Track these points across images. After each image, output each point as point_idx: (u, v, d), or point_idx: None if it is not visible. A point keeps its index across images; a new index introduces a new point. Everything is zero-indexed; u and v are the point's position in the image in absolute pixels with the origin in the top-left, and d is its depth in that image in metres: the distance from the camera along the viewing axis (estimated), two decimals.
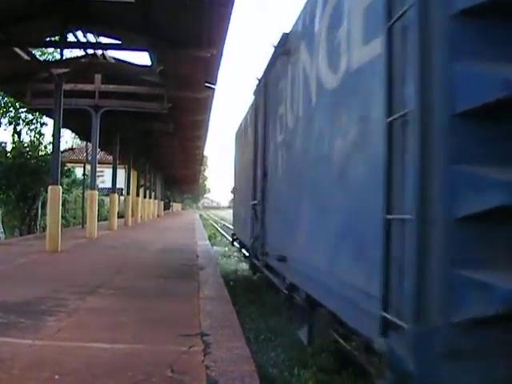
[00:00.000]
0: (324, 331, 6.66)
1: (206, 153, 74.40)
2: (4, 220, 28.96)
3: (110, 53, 19.93)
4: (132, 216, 36.10)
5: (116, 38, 17.96)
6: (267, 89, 10.12)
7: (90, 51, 19.30)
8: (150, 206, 49.50)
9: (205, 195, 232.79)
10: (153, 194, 53.64)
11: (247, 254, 15.09)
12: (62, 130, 19.59)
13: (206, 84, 19.43)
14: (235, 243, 18.77)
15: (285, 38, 8.31)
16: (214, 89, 20.02)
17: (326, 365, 7.43)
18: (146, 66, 18.91)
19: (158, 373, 5.13)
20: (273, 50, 9.07)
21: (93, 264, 13.96)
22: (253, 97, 12.58)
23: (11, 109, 32.68)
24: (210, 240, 26.43)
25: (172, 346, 6.17)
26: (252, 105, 12.71)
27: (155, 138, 33.94)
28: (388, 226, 4.04)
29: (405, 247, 3.84)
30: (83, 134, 30.94)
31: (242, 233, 15.01)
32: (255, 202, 11.04)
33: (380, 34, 4.20)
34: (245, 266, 18.50)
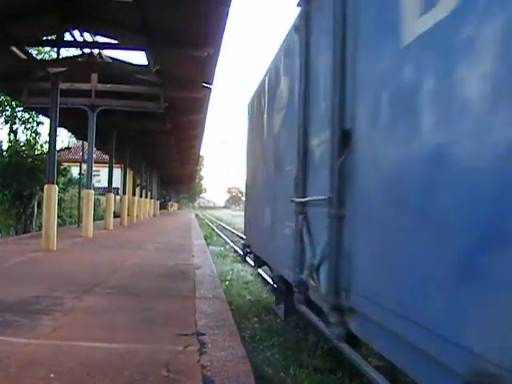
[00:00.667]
0: None
1: (202, 153, 74.41)
2: (0, 219, 28.93)
3: (107, 52, 19.95)
4: (128, 215, 36.06)
5: (113, 38, 17.96)
6: None
7: (87, 50, 19.30)
8: (146, 206, 49.46)
9: (201, 195, 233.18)
10: (149, 193, 53.58)
11: (270, 282, 11.37)
12: (59, 129, 19.63)
13: (203, 83, 19.44)
14: (248, 259, 14.31)
15: None
16: (210, 88, 20.03)
17: (322, 365, 7.46)
18: (142, 66, 18.92)
19: (153, 372, 5.14)
20: None
21: (89, 263, 13.95)
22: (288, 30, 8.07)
23: (7, 107, 32.65)
24: (205, 240, 26.42)
25: (168, 345, 6.17)
26: (290, 37, 7.93)
27: (151, 137, 33.92)
28: None
29: None
30: (79, 133, 30.94)
31: (266, 249, 9.78)
32: (309, 199, 6.33)
33: None
34: (240, 266, 18.51)
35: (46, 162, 17.98)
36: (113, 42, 18.32)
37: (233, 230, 45.04)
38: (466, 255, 3.03)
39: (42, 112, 27.08)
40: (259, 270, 14.89)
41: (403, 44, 3.88)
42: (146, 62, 18.33)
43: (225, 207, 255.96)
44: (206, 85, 19.57)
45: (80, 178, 31.34)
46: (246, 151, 13.41)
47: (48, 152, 18.23)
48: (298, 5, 7.06)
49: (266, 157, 9.96)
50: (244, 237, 15.08)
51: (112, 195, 29.87)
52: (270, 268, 10.29)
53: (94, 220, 23.87)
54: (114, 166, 31.02)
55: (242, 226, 51.73)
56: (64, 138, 56.98)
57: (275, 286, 9.95)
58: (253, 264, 13.70)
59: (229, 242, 31.71)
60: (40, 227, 23.02)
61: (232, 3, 12.56)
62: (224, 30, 14.04)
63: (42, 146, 31.00)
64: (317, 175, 6.14)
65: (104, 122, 23.87)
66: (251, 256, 12.85)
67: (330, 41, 5.49)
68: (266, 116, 10.15)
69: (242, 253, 14.88)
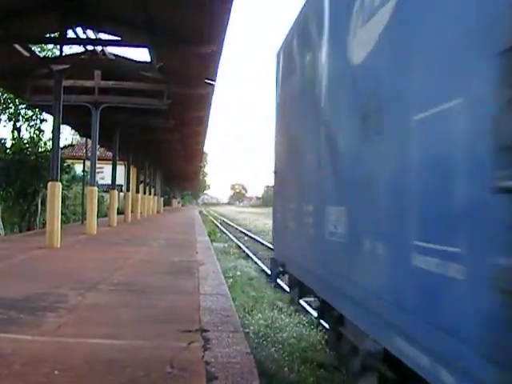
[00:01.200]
0: None
1: (205, 149, 74.44)
2: (4, 216, 28.98)
3: (110, 49, 19.93)
4: (132, 212, 36.05)
5: (116, 35, 17.95)
6: None
7: (90, 47, 19.31)
8: (149, 203, 49.42)
9: (204, 191, 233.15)
10: (152, 190, 53.52)
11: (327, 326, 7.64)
12: (62, 127, 19.60)
13: (206, 80, 19.43)
14: (281, 282, 11.46)
15: None
16: (213, 85, 20.02)
17: (326, 361, 7.47)
18: (145, 63, 18.90)
19: (157, 369, 5.14)
20: None
21: (92, 260, 13.96)
22: None
23: (11, 105, 32.73)
24: (209, 236, 26.45)
25: (172, 341, 6.17)
26: None
27: (155, 134, 33.87)
28: None
29: None
30: (83, 130, 30.98)
31: (331, 282, 5.71)
32: None
33: None
34: (244, 262, 18.53)
35: (50, 160, 17.98)
36: (116, 39, 18.30)
37: (236, 227, 45.12)
38: None
39: (46, 109, 27.10)
40: (306, 306, 10.71)
41: None
42: (149, 59, 18.31)
43: (228, 203, 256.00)
44: (209, 81, 19.57)
45: (83, 175, 31.36)
46: (276, 120, 9.36)
47: (51, 149, 18.23)
48: None
49: (330, 114, 5.96)
50: (268, 246, 12.07)
51: (115, 192, 29.90)
52: (328, 308, 6.13)
53: (97, 217, 23.90)
54: (117, 163, 31.05)
55: (246, 223, 51.36)
56: (67, 135, 57.00)
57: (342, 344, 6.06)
58: (288, 289, 10.09)
59: (233, 238, 31.81)
60: (44, 224, 23.04)
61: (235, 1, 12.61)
62: (227, 26, 14.04)
63: (45, 144, 31.13)
64: None
65: (107, 119, 23.85)
66: (284, 278, 9.57)
67: None
68: (326, 45, 6.10)
69: (269, 272, 11.15)
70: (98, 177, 26.47)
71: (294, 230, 7.51)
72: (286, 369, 6.93)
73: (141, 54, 22.78)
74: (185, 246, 18.53)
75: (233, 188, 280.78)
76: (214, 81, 19.54)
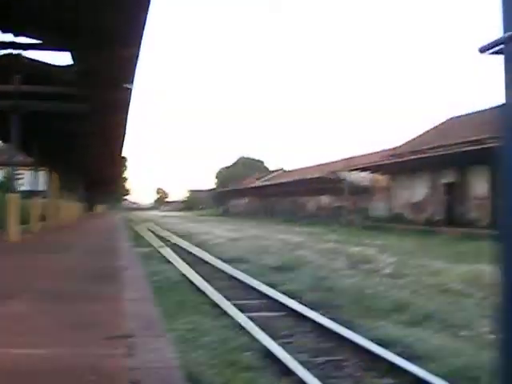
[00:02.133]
0: None
1: (125, 154, 74.04)
2: None
3: (30, 53, 19.63)
4: (53, 219, 35.53)
5: (36, 38, 17.67)
6: None
7: (9, 51, 18.95)
8: (71, 209, 48.79)
9: (126, 196, 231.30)
10: (74, 196, 52.86)
11: None
12: None
13: (124, 84, 19.37)
14: None
15: None
16: (131, 89, 19.96)
17: (254, 362, 7.52)
18: (66, 66, 18.68)
19: (79, 377, 5.07)
20: None
21: (13, 268, 13.67)
22: None
23: None
24: (133, 242, 26.30)
25: (95, 348, 6.10)
26: None
27: (76, 139, 33.39)
28: None
29: None
30: (2, 135, 30.35)
31: None
32: None
33: None
34: (167, 267, 18.50)
35: None
36: (36, 42, 18.02)
37: (158, 232, 45.06)
38: None
39: None
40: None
41: None
42: (71, 63, 18.11)
43: (152, 208, 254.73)
44: (127, 85, 19.50)
45: (3, 181, 30.74)
46: None
47: None
48: None
49: None
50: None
51: (36, 199, 29.45)
52: None
53: (19, 224, 23.46)
54: (39, 169, 30.56)
55: (168, 227, 51.12)
56: None
57: None
58: None
59: (156, 243, 31.74)
60: None
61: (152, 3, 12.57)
62: (144, 29, 13.98)
63: None
64: None
65: (28, 124, 23.41)
66: None
67: None
68: None
69: None
70: (18, 183, 25.98)
71: None
72: (210, 372, 6.94)
73: (63, 58, 22.50)
74: (108, 252, 18.36)
75: (158, 192, 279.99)
76: (132, 84, 19.49)
